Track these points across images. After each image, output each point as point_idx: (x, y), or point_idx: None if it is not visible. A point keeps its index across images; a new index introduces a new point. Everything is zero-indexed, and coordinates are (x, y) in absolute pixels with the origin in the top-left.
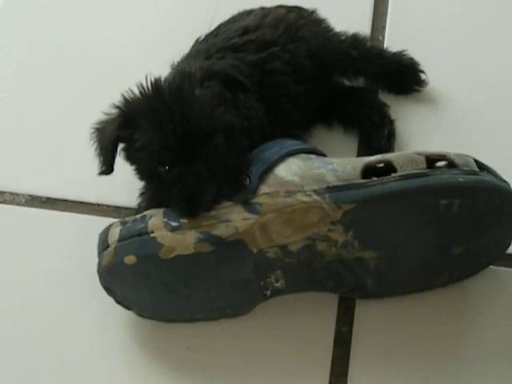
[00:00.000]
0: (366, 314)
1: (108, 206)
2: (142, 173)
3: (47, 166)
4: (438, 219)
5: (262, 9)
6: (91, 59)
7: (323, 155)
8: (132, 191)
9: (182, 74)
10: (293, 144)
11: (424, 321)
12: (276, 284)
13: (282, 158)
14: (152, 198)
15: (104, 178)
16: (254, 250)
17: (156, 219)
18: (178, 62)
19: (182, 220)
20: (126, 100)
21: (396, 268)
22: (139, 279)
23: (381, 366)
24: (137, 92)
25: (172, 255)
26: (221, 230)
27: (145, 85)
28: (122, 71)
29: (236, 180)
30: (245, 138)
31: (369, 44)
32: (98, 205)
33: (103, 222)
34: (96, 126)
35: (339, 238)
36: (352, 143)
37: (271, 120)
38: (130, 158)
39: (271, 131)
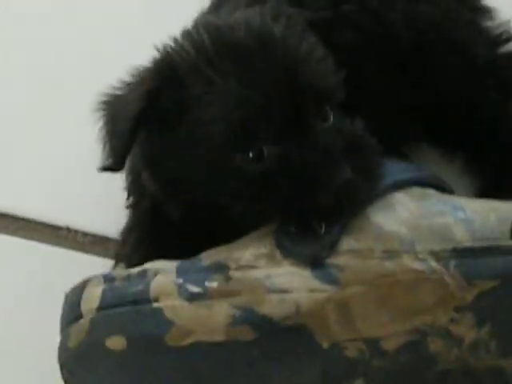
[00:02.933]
0: None
1: (86, 235)
2: (188, 171)
3: None
4: None
5: None
6: None
7: (445, 189)
8: None
9: (261, 14)
10: (399, 169)
11: None
12: None
13: (380, 192)
14: (159, 233)
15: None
16: (325, 344)
17: (164, 278)
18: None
19: (208, 283)
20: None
21: None
22: (130, 377)
23: None
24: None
25: (187, 341)
26: (272, 307)
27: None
28: None
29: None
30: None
31: None
32: (69, 230)
33: (78, 260)
34: (108, 96)
35: (467, 333)
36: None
37: None
38: (173, 143)
39: None
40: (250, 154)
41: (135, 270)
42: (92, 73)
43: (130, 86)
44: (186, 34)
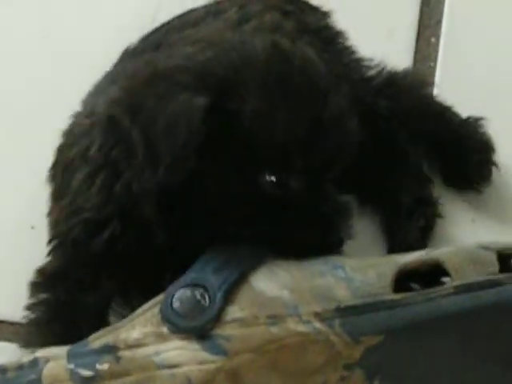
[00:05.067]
0: None
1: None
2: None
3: None
4: None
5: (241, 7)
6: None
7: None
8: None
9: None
10: None
11: None
12: None
13: (258, 259)
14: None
15: None
16: None
17: (56, 365)
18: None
19: (99, 366)
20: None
21: None
22: None
23: None
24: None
25: None
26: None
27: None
28: None
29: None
30: None
31: (418, 92)
32: None
33: None
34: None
35: None
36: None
37: None
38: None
39: None
40: (274, 179)
41: (26, 358)
42: None
43: (175, 95)
44: (244, 49)
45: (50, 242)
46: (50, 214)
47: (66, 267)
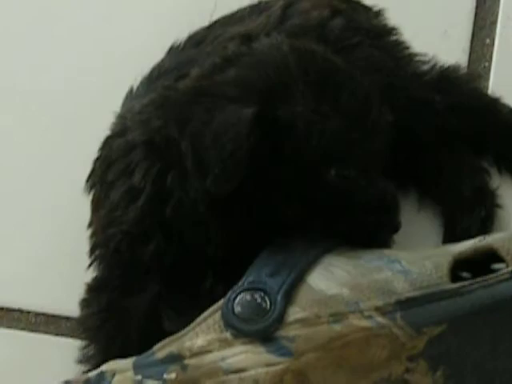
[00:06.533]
0: None
1: (39, 315)
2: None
3: None
4: None
5: (287, 4)
6: None
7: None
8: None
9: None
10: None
11: None
12: None
13: (312, 259)
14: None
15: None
16: None
17: (123, 377)
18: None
19: (166, 375)
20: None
21: None
22: None
23: None
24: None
25: None
26: None
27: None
28: None
29: None
30: None
31: (468, 86)
32: (21, 312)
33: (32, 340)
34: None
35: (423, 380)
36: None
37: None
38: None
39: None
40: (336, 172)
41: (93, 373)
42: None
43: (223, 100)
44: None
45: (90, 252)
46: (89, 225)
47: (108, 276)
